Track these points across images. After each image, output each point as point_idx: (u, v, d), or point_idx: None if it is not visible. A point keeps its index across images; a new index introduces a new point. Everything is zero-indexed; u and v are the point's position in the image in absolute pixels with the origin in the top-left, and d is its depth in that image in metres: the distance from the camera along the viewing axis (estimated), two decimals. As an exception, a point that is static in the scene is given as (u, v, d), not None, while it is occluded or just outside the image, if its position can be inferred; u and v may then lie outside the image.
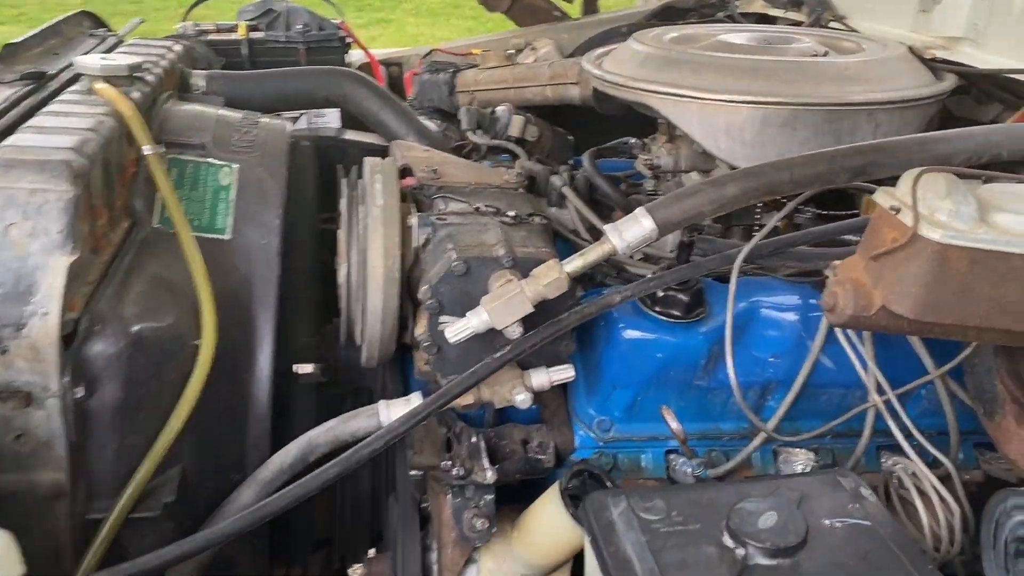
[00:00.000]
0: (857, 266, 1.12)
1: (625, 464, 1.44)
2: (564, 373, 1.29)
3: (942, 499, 1.16)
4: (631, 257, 1.50)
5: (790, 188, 1.16)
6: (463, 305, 1.26)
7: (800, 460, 1.44)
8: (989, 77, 1.61)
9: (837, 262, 1.15)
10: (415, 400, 1.24)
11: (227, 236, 1.37)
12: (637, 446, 1.45)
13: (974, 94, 1.69)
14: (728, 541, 1.01)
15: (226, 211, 1.39)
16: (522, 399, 1.26)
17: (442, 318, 1.27)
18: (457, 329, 1.20)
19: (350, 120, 2.15)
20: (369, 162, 1.43)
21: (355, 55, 2.70)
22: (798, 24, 2.19)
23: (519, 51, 2.75)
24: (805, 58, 1.53)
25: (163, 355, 1.17)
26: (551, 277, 1.18)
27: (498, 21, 3.33)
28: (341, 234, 1.42)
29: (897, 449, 1.48)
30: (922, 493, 1.21)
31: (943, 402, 1.37)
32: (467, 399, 1.27)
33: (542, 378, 1.29)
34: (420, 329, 1.31)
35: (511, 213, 1.37)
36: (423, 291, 1.28)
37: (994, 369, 1.27)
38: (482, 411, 1.52)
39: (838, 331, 1.33)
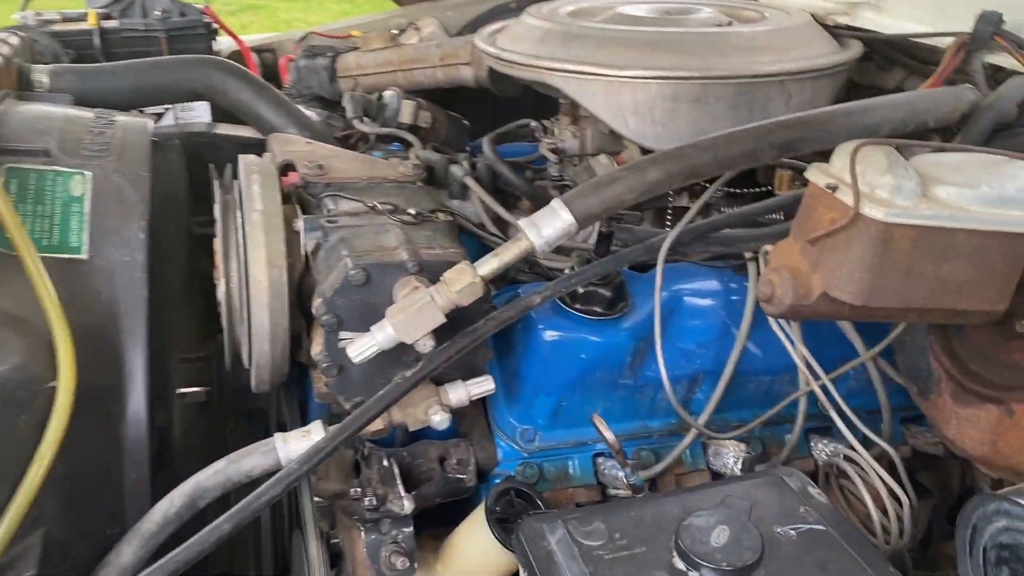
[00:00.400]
0: (792, 251, 1.04)
1: (552, 473, 1.34)
2: (483, 386, 1.17)
3: (891, 492, 1.10)
4: None
5: (715, 169, 1.08)
6: (365, 318, 1.12)
7: (731, 452, 1.37)
8: (891, 43, 1.57)
9: (768, 247, 1.07)
10: (316, 432, 1.09)
11: (83, 256, 1.18)
12: (564, 453, 1.34)
13: (876, 60, 1.64)
14: (679, 564, 0.92)
15: (80, 227, 1.20)
16: (439, 420, 1.14)
17: (342, 334, 1.13)
18: (360, 347, 1.06)
19: (223, 113, 1.96)
20: (244, 160, 1.27)
21: (224, 43, 2.48)
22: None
23: (402, 31, 2.60)
24: (712, 28, 1.45)
25: (10, 405, 0.99)
26: (464, 282, 1.05)
27: (376, 3, 3.16)
28: (217, 244, 1.25)
29: (825, 432, 1.44)
30: (868, 484, 1.15)
31: (875, 383, 1.32)
32: (376, 425, 1.13)
33: (460, 393, 1.16)
34: (317, 348, 1.17)
35: (411, 210, 1.23)
36: (317, 305, 1.14)
37: (927, 347, 1.22)
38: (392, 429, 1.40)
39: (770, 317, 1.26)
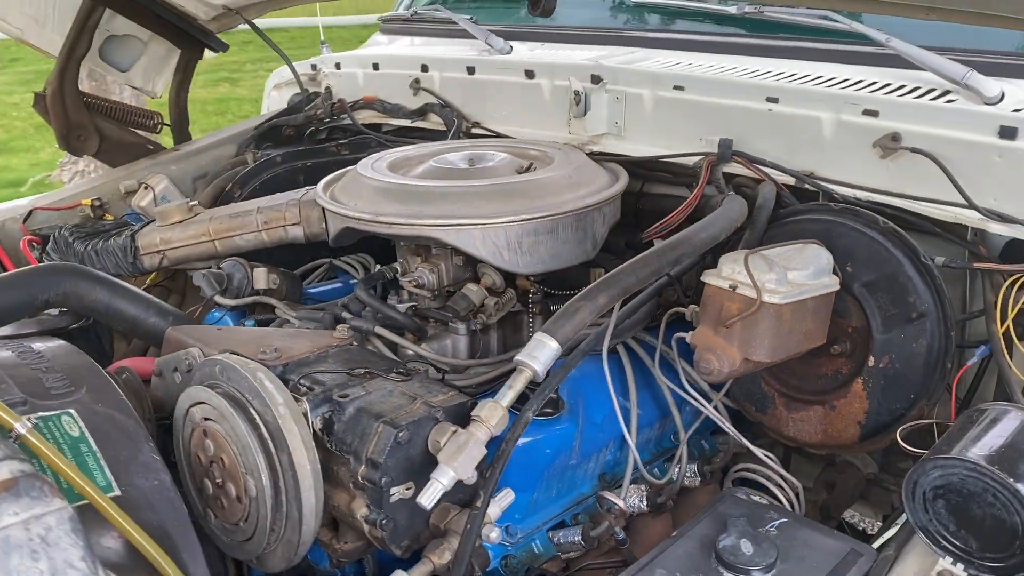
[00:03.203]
0: (707, 335, 1.46)
1: (523, 558, 1.59)
2: (508, 498, 1.40)
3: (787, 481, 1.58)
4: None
5: (638, 286, 1.46)
6: (407, 471, 1.31)
7: (635, 495, 1.74)
8: (639, 163, 2.07)
9: (687, 336, 1.48)
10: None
11: (117, 492, 1.17)
12: (529, 538, 1.61)
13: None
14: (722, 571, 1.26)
15: (97, 465, 1.18)
16: (496, 535, 1.34)
17: (393, 490, 1.29)
18: (432, 494, 1.24)
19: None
20: (237, 362, 1.34)
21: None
22: (428, 131, 2.47)
23: (131, 192, 2.59)
24: (542, 175, 1.82)
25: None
26: (497, 416, 1.29)
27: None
28: (243, 442, 1.30)
29: (670, 458, 1.88)
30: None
31: (721, 412, 1.80)
32: (444, 557, 1.31)
33: (494, 508, 1.38)
34: (363, 510, 1.30)
35: (399, 369, 1.42)
36: (366, 471, 1.28)
37: (759, 376, 1.73)
38: (356, 564, 1.55)
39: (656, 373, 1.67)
